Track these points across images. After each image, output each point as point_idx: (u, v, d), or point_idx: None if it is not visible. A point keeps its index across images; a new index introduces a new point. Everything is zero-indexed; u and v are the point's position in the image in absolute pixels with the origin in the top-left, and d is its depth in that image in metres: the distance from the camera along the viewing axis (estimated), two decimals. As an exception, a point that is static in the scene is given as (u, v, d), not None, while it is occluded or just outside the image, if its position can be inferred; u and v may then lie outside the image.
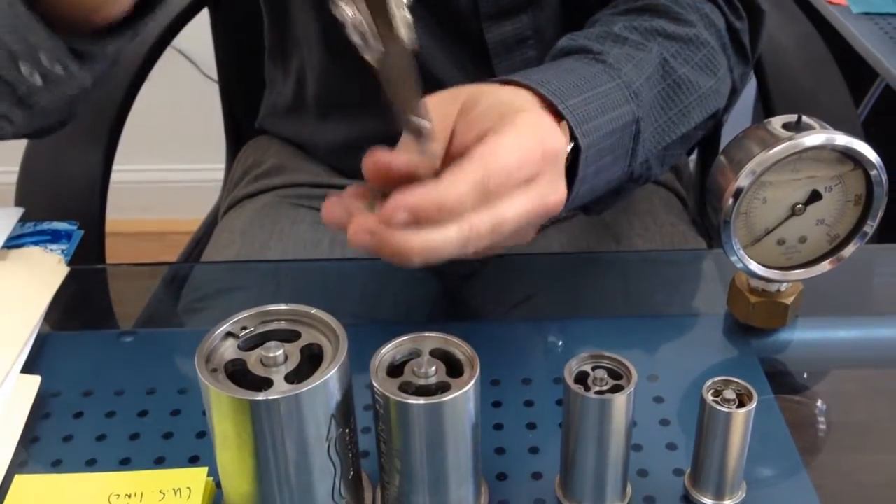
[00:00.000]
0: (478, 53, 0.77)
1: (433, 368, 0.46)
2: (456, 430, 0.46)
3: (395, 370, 0.47)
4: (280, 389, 0.44)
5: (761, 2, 0.74)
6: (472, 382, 0.45)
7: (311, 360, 0.46)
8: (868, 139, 0.57)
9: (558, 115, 0.57)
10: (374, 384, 0.45)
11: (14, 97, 0.57)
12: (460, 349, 0.47)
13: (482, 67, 0.78)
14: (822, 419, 0.58)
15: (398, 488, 0.48)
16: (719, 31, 0.70)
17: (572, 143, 0.57)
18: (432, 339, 0.48)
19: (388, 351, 0.47)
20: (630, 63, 0.63)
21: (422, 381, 0.46)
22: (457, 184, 0.49)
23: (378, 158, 0.50)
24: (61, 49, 0.56)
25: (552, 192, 0.54)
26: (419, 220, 0.49)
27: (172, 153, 2.19)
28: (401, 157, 0.51)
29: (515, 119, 0.52)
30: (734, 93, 0.72)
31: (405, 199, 0.48)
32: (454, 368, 0.47)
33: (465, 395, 0.45)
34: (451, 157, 0.53)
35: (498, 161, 0.50)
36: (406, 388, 0.46)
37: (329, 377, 0.44)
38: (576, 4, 0.78)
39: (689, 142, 0.69)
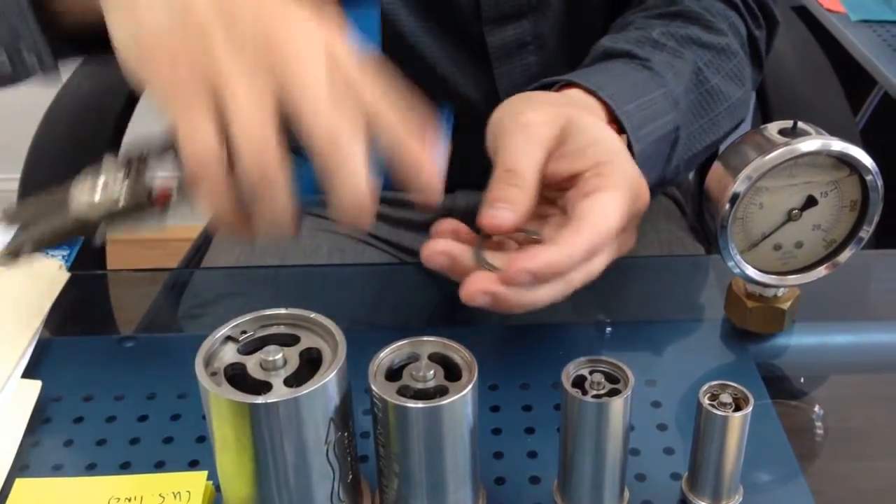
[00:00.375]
0: (479, 56, 0.78)
1: (431, 372, 0.47)
2: (454, 433, 0.46)
3: (393, 374, 0.47)
4: (279, 393, 0.44)
5: (775, 10, 0.76)
6: (470, 386, 0.46)
7: (310, 364, 0.46)
8: (866, 147, 0.57)
9: (614, 120, 0.59)
10: (373, 388, 0.46)
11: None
12: (458, 353, 0.48)
13: (483, 70, 0.78)
14: (818, 424, 0.59)
15: (396, 492, 0.48)
16: (743, 40, 0.72)
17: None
18: (430, 343, 0.48)
19: (387, 355, 0.48)
20: (671, 71, 0.65)
21: (420, 385, 0.46)
22: (574, 251, 0.50)
23: (493, 220, 0.52)
24: (44, 48, 0.55)
25: (629, 242, 0.56)
26: (538, 281, 0.51)
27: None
28: (509, 217, 0.52)
29: (614, 175, 0.53)
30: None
31: (528, 265, 0.50)
32: (452, 372, 0.47)
33: (463, 398, 0.45)
34: (547, 185, 0.55)
35: (608, 226, 0.52)
36: (404, 392, 0.46)
37: (327, 381, 0.44)
38: (578, 11, 0.78)
39: (712, 149, 0.70)
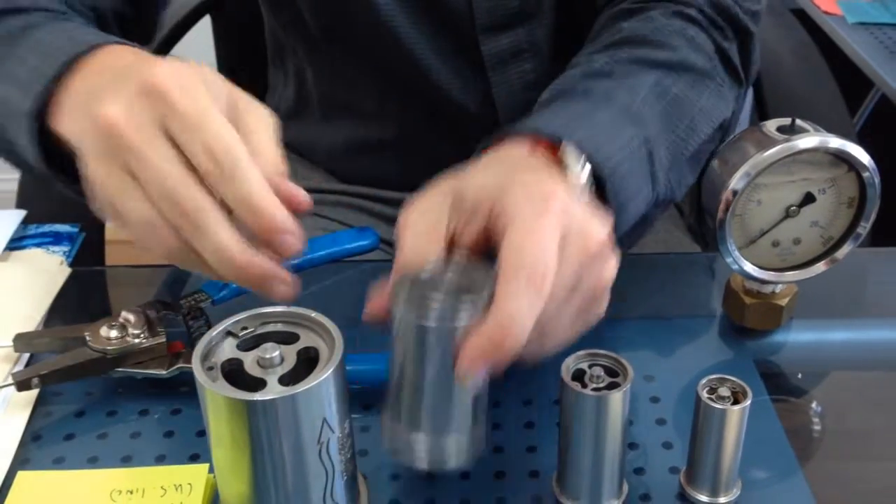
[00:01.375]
0: (476, 64, 0.78)
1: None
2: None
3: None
4: (274, 390, 0.44)
5: (748, 23, 0.72)
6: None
7: (307, 363, 0.46)
8: (864, 148, 0.57)
9: (558, 155, 0.54)
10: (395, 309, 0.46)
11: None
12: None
13: (479, 78, 0.79)
14: (816, 419, 0.59)
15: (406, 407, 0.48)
16: (707, 53, 0.69)
17: (584, 169, 0.54)
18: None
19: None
20: (621, 90, 0.62)
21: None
22: (506, 302, 0.45)
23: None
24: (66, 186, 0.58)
25: (587, 231, 0.49)
26: (496, 360, 0.46)
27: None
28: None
29: (508, 201, 0.49)
30: (731, 114, 0.70)
31: (468, 353, 0.45)
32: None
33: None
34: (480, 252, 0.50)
35: (525, 253, 0.46)
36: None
37: (323, 380, 0.44)
38: (571, 18, 0.79)
39: (704, 155, 0.66)
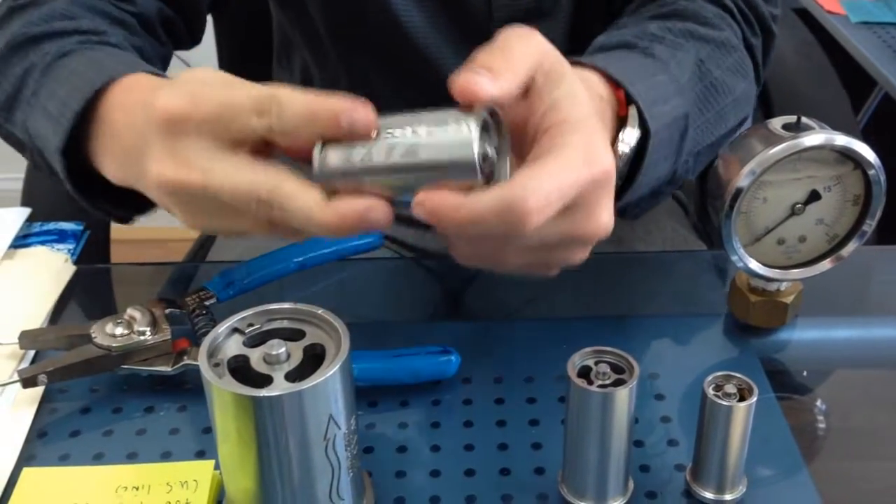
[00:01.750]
0: None
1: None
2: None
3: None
4: (280, 387, 0.44)
5: (772, 25, 0.74)
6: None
7: (313, 360, 0.46)
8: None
9: (623, 102, 0.56)
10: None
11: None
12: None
13: None
14: (821, 417, 0.59)
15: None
16: (740, 41, 0.70)
17: (640, 131, 0.56)
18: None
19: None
20: (673, 60, 0.63)
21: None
22: (480, 204, 0.46)
23: (470, 85, 0.47)
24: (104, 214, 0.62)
25: (590, 221, 0.50)
26: (436, 223, 0.46)
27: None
28: (488, 88, 0.47)
29: (566, 141, 0.48)
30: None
31: (424, 196, 0.46)
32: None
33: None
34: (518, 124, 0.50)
35: (537, 187, 0.46)
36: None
37: (329, 376, 0.44)
38: (585, 17, 0.79)
39: (717, 147, 0.67)
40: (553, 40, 0.77)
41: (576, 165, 0.47)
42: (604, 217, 0.50)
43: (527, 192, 0.45)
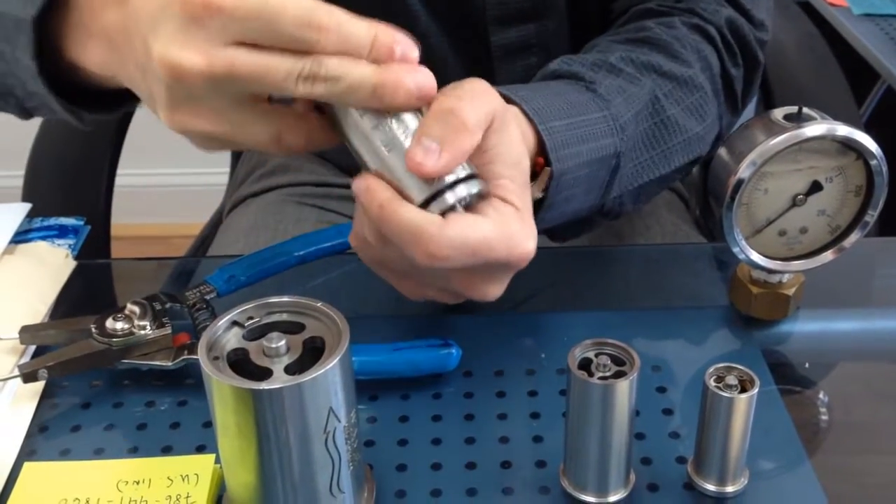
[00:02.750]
0: (483, 56, 0.78)
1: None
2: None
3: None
4: (279, 380, 0.44)
5: (759, 52, 0.73)
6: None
7: (313, 353, 0.46)
8: (870, 140, 0.57)
9: (538, 136, 0.58)
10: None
11: (19, 108, 0.62)
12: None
13: (486, 69, 0.78)
14: (823, 409, 0.59)
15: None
16: (714, 75, 0.69)
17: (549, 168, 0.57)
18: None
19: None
20: (621, 96, 0.63)
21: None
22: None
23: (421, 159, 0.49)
24: (66, 108, 0.58)
25: (483, 287, 0.54)
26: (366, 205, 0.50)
27: (175, 157, 2.20)
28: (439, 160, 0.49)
29: (503, 213, 0.51)
30: (718, 139, 0.71)
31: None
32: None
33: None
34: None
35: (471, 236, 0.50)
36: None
37: (329, 368, 0.44)
38: (581, 17, 0.78)
39: (665, 183, 0.68)
40: (546, 39, 0.77)
41: (500, 245, 0.50)
42: (495, 290, 0.55)
43: (441, 236, 0.48)
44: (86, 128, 0.60)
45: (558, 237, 0.67)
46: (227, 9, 0.46)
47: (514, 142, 0.53)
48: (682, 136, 0.66)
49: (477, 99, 0.51)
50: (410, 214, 0.49)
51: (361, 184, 0.50)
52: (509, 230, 0.50)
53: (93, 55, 0.53)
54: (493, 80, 0.78)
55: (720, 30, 0.70)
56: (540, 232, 0.59)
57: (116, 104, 0.59)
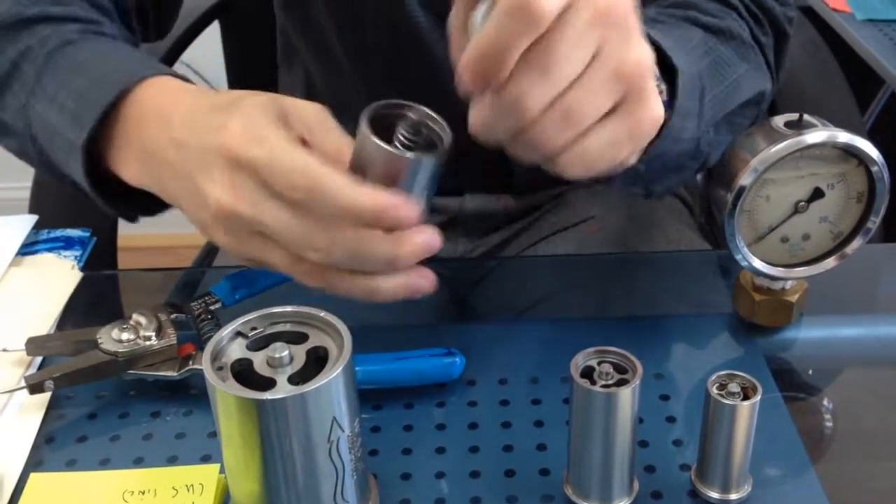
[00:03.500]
0: None
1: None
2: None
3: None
4: (283, 390, 0.45)
5: (786, 25, 0.73)
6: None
7: (316, 363, 0.46)
8: (875, 145, 0.57)
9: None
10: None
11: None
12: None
13: None
14: (827, 416, 0.59)
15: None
16: (743, 34, 0.69)
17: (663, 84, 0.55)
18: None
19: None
20: (670, 38, 0.60)
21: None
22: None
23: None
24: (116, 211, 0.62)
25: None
26: (478, 73, 0.45)
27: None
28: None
29: None
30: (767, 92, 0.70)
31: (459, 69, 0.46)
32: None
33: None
34: None
35: None
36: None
37: (332, 378, 0.44)
38: None
39: (735, 125, 0.66)
40: None
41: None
42: (636, 51, 0.46)
43: None
44: (131, 220, 0.64)
45: (655, 192, 0.65)
46: (255, 160, 0.49)
47: None
48: (739, 69, 0.65)
49: None
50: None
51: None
52: None
53: (129, 170, 0.57)
54: None
55: (743, 1, 0.70)
56: (642, 186, 0.61)
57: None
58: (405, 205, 0.48)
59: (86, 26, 0.64)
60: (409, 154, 0.48)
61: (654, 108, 0.48)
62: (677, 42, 0.59)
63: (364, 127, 0.49)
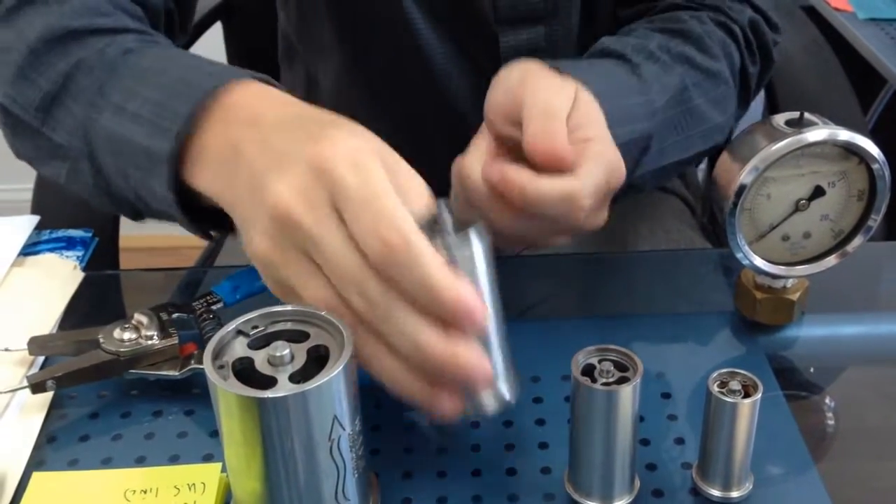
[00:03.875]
0: (490, 59, 0.78)
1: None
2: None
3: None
4: (284, 388, 0.45)
5: (773, 53, 0.77)
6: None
7: (317, 362, 0.47)
8: (877, 145, 0.57)
9: None
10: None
11: (132, 213, 0.62)
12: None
13: (493, 73, 0.79)
14: (829, 414, 0.59)
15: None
16: (735, 73, 0.74)
17: None
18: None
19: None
20: (658, 83, 0.66)
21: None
22: (549, 187, 0.53)
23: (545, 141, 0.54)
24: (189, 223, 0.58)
25: (598, 220, 0.58)
26: (501, 189, 0.54)
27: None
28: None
29: (595, 149, 0.56)
30: (731, 131, 0.76)
31: (500, 167, 0.54)
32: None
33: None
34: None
35: (590, 183, 0.55)
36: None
37: (333, 376, 0.44)
38: (591, 21, 0.79)
39: (682, 167, 0.72)
40: (555, 43, 0.78)
41: (603, 171, 0.56)
42: (605, 215, 0.59)
43: (583, 185, 0.54)
44: (212, 241, 0.62)
45: None
46: (342, 178, 0.46)
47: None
48: (705, 125, 0.70)
49: (560, 90, 0.58)
50: (550, 183, 0.54)
51: (495, 174, 0.53)
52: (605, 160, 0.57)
53: (204, 180, 0.53)
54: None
55: (743, 29, 0.75)
56: None
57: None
58: (485, 316, 0.46)
59: (141, 36, 0.61)
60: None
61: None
62: (646, 101, 0.65)
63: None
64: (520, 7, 0.76)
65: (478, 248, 0.49)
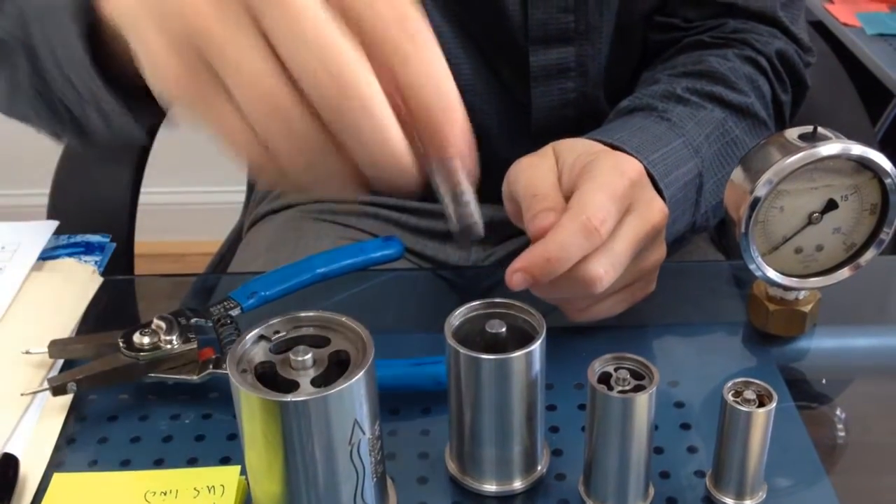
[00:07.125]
0: (517, 76, 0.79)
1: (504, 330, 0.51)
2: (521, 385, 0.50)
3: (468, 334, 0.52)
4: (306, 392, 0.45)
5: (806, 76, 0.79)
6: (540, 341, 0.50)
7: (338, 366, 0.47)
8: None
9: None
10: (448, 340, 0.49)
11: (78, 130, 0.61)
12: (529, 316, 0.52)
13: (518, 91, 0.79)
14: (841, 426, 0.59)
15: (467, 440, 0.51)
16: (767, 103, 0.75)
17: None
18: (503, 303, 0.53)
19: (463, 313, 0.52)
20: (692, 121, 0.68)
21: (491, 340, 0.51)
22: (557, 233, 0.54)
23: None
24: (119, 104, 0.55)
25: (650, 210, 0.59)
26: (535, 277, 0.55)
27: (191, 176, 2.22)
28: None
29: (594, 164, 0.58)
30: None
31: (515, 264, 0.55)
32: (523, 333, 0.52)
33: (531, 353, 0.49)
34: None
35: (591, 202, 0.55)
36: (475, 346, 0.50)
37: (355, 381, 0.45)
38: (623, 43, 0.80)
39: None
40: (584, 64, 0.79)
41: (612, 177, 0.56)
42: (658, 254, 0.62)
43: (588, 207, 0.54)
44: (141, 134, 0.57)
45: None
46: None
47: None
48: (748, 147, 0.71)
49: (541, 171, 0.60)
50: (563, 219, 0.55)
51: (519, 278, 0.55)
52: (609, 168, 0.58)
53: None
54: (528, 103, 0.79)
55: (770, 60, 0.76)
56: None
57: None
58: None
59: None
60: None
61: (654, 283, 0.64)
62: (684, 142, 0.67)
63: None
64: (551, 27, 0.76)
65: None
